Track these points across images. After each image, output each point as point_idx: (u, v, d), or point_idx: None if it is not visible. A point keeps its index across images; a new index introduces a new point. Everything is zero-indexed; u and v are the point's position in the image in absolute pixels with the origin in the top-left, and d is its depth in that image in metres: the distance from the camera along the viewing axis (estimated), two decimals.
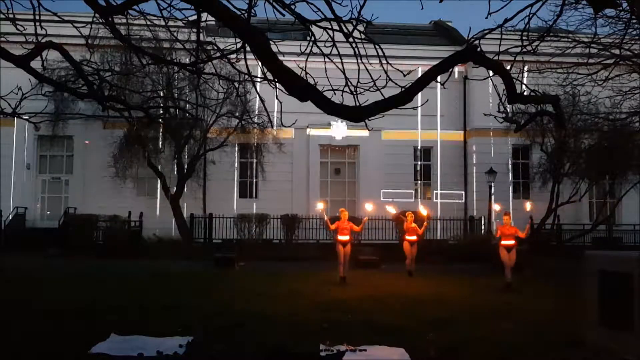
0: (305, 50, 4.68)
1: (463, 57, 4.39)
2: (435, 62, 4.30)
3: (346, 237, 14.16)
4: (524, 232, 14.14)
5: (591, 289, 5.97)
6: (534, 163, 24.81)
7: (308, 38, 4.90)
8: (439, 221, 24.30)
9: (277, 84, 4.41)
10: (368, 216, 15.65)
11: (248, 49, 4.42)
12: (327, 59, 4.70)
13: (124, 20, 5.68)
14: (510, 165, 25.78)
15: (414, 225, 15.67)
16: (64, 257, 18.92)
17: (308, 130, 25.50)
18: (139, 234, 22.20)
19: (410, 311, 9.71)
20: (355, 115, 4.38)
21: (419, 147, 26.91)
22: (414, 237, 15.58)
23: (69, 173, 25.21)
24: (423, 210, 16.56)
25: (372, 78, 4.67)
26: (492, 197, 23.12)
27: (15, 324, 7.95)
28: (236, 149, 24.26)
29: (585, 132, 20.49)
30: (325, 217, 15.38)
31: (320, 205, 16.21)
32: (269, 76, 4.40)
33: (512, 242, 13.53)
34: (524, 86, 4.86)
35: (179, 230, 22.52)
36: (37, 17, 5.40)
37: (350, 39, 4.57)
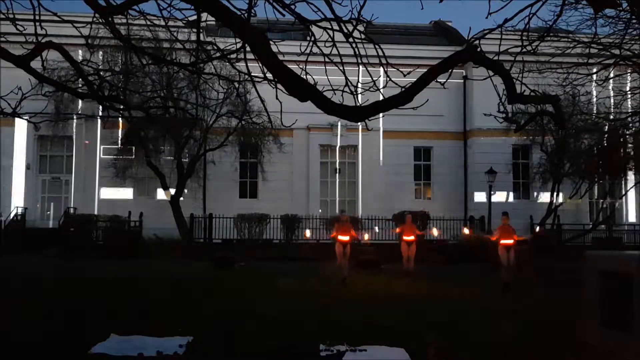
0: (305, 50, 4.68)
1: (463, 57, 4.39)
2: (435, 62, 4.29)
3: (346, 238, 14.16)
4: (521, 236, 14.23)
5: (591, 289, 5.96)
6: (534, 163, 24.83)
7: (308, 38, 4.90)
8: (439, 221, 24.30)
9: (277, 84, 4.41)
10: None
11: (248, 49, 4.42)
12: (327, 59, 4.70)
13: (124, 20, 5.68)
14: (510, 165, 25.77)
15: (410, 225, 15.84)
16: (64, 257, 18.91)
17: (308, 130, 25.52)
18: (139, 234, 22.19)
19: (410, 311, 9.71)
20: (355, 115, 4.37)
21: (419, 147, 26.93)
22: (411, 237, 15.61)
23: (69, 173, 25.21)
24: (435, 231, 17.03)
25: (372, 78, 4.66)
26: (492, 197, 23.14)
27: (15, 324, 7.95)
28: (236, 149, 24.27)
29: (585, 132, 20.52)
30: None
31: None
32: (269, 76, 4.40)
33: (510, 241, 13.55)
34: (524, 86, 4.85)
35: (179, 230, 22.51)
36: (37, 17, 5.40)
37: (350, 39, 4.57)
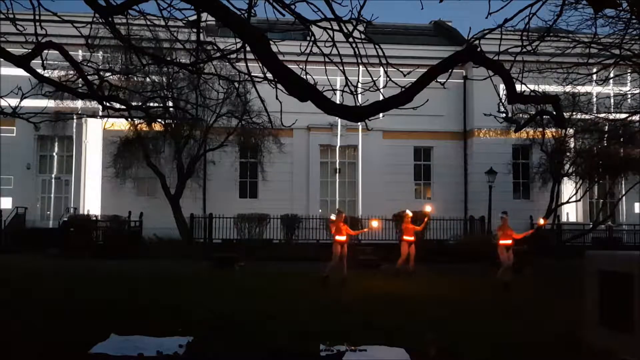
0: (305, 50, 4.68)
1: (463, 57, 4.38)
2: (435, 62, 4.29)
3: (343, 237, 14.16)
4: (521, 234, 14.20)
5: (591, 289, 5.96)
6: (534, 163, 24.83)
7: (308, 38, 4.90)
8: (439, 221, 24.30)
9: (277, 84, 4.41)
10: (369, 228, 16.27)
11: (248, 49, 4.42)
12: (327, 59, 4.70)
13: (124, 20, 5.68)
14: (510, 165, 25.76)
15: (411, 225, 15.77)
16: (64, 257, 18.91)
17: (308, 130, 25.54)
18: (139, 234, 22.20)
19: (410, 311, 9.71)
20: (355, 115, 4.37)
21: (419, 147, 26.95)
22: (412, 238, 15.63)
23: (69, 173, 25.21)
24: (427, 208, 16.81)
25: (372, 78, 4.66)
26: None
27: (15, 324, 7.95)
28: (236, 149, 24.27)
29: (586, 132, 20.53)
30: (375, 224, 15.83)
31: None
32: (269, 76, 4.40)
33: (509, 241, 13.59)
34: (524, 86, 4.85)
35: (179, 230, 22.51)
36: (37, 17, 5.40)
37: (350, 39, 4.57)
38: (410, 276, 15.06)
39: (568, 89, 15.35)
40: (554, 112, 4.89)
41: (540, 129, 21.90)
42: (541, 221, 15.58)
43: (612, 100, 17.22)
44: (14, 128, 23.58)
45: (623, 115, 17.12)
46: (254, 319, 8.65)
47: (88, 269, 15.69)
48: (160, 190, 23.01)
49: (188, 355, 6.39)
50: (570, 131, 21.03)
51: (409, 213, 16.23)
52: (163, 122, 21.38)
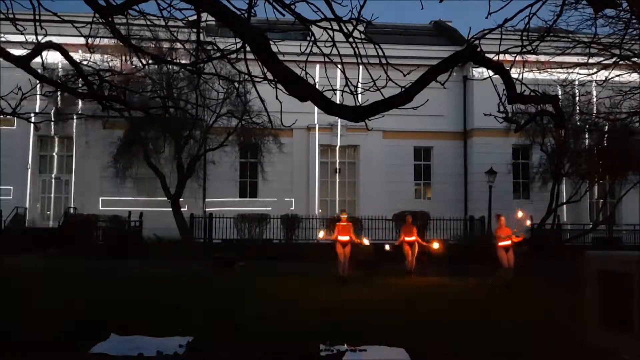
0: (305, 50, 4.68)
1: (463, 57, 4.38)
2: (435, 62, 4.29)
3: (346, 238, 14.19)
4: (518, 237, 14.08)
5: (591, 289, 5.96)
6: (534, 163, 24.82)
7: (308, 38, 4.90)
8: (439, 221, 24.29)
9: (277, 84, 4.41)
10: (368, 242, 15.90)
11: (248, 49, 4.42)
12: (327, 59, 4.70)
13: (124, 20, 5.68)
14: (510, 165, 25.75)
15: (414, 229, 15.91)
16: (64, 257, 18.91)
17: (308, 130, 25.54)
18: (139, 234, 22.19)
19: (410, 311, 9.71)
20: (355, 115, 4.37)
21: (419, 147, 26.94)
22: (413, 238, 15.72)
23: (69, 173, 25.22)
24: (435, 245, 16.37)
25: (372, 78, 4.66)
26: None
27: (15, 324, 7.95)
28: (236, 149, 24.27)
29: (585, 132, 20.52)
30: (331, 237, 15.28)
31: (321, 234, 16.37)
32: (269, 76, 4.40)
33: (508, 242, 13.61)
34: (524, 86, 4.85)
35: (179, 230, 22.50)
36: (37, 17, 5.40)
37: (350, 39, 4.57)
38: (411, 276, 15.08)
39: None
40: (554, 112, 4.89)
41: (539, 128, 21.85)
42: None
43: (611, 100, 17.18)
44: (14, 128, 23.59)
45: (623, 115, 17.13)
46: (254, 319, 8.65)
47: (88, 269, 15.69)
48: (160, 190, 23.00)
49: (188, 355, 6.40)
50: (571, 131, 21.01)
51: (410, 218, 16.37)
52: (163, 122, 21.36)
